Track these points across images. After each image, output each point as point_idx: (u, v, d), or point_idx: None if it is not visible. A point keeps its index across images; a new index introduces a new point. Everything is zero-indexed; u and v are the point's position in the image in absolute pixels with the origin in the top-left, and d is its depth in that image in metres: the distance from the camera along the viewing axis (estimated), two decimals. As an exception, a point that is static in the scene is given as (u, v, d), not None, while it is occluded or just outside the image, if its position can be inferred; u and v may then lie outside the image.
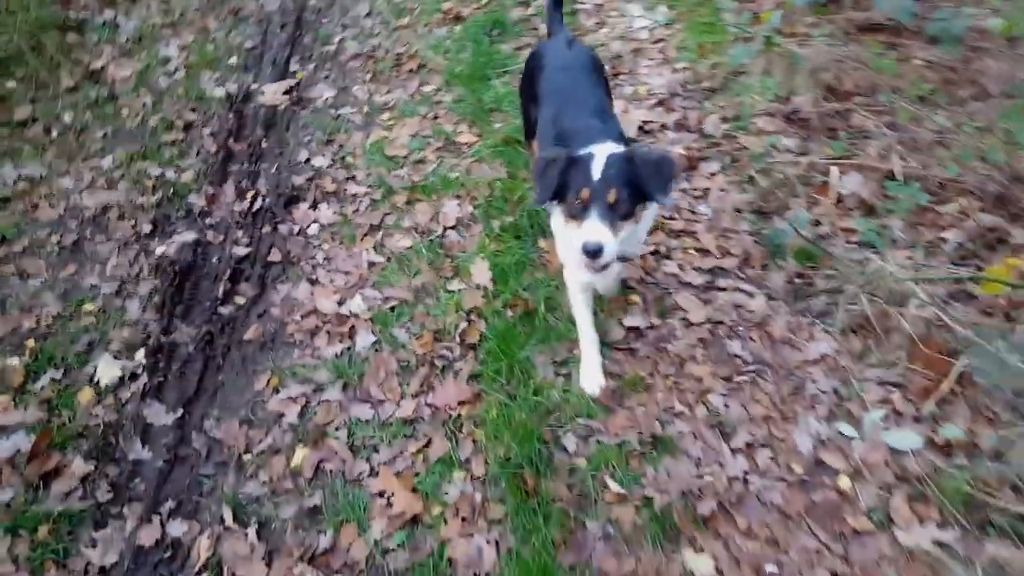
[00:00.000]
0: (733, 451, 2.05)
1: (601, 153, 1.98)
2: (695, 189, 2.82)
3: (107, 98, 3.66)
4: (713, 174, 2.86)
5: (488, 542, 1.94)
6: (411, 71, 3.69)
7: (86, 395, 2.39)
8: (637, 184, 1.96)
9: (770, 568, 1.81)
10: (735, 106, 3.09)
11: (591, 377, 2.39)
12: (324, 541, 2.00)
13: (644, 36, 3.62)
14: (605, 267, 1.99)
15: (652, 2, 3.81)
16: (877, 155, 2.70)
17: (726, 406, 2.16)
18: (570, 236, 2.04)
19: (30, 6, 3.84)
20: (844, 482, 1.96)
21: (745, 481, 1.99)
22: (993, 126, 2.64)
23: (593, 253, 1.91)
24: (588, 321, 2.44)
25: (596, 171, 1.95)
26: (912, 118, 2.80)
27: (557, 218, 2.21)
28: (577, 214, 1.97)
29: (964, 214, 2.47)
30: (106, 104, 3.62)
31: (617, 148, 2.07)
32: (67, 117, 3.53)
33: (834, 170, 2.69)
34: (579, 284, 2.37)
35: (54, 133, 3.47)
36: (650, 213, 2.14)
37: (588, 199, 1.94)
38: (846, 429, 2.06)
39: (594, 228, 1.92)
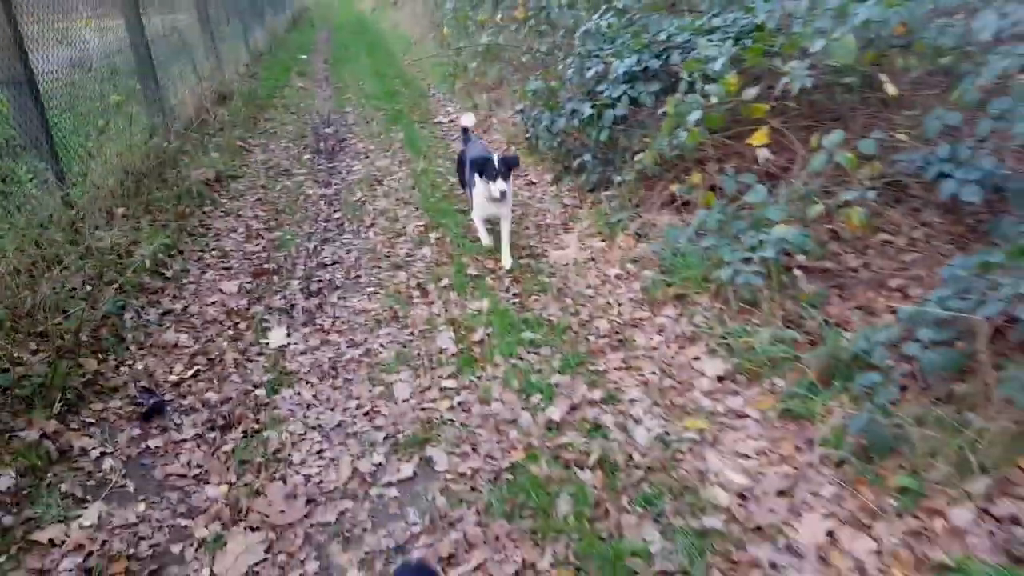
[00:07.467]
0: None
1: (496, 158, 4.95)
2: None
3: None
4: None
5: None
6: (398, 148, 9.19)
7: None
8: (508, 165, 4.94)
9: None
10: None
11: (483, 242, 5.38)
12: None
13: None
14: (504, 196, 4.91)
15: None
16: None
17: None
18: (486, 189, 4.95)
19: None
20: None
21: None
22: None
23: (502, 192, 4.85)
24: (484, 233, 5.40)
25: (496, 164, 4.90)
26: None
27: (478, 185, 5.08)
28: (492, 179, 4.88)
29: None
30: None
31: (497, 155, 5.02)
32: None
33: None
34: (481, 216, 5.38)
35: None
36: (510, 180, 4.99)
37: (496, 172, 4.86)
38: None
39: (501, 182, 4.85)
